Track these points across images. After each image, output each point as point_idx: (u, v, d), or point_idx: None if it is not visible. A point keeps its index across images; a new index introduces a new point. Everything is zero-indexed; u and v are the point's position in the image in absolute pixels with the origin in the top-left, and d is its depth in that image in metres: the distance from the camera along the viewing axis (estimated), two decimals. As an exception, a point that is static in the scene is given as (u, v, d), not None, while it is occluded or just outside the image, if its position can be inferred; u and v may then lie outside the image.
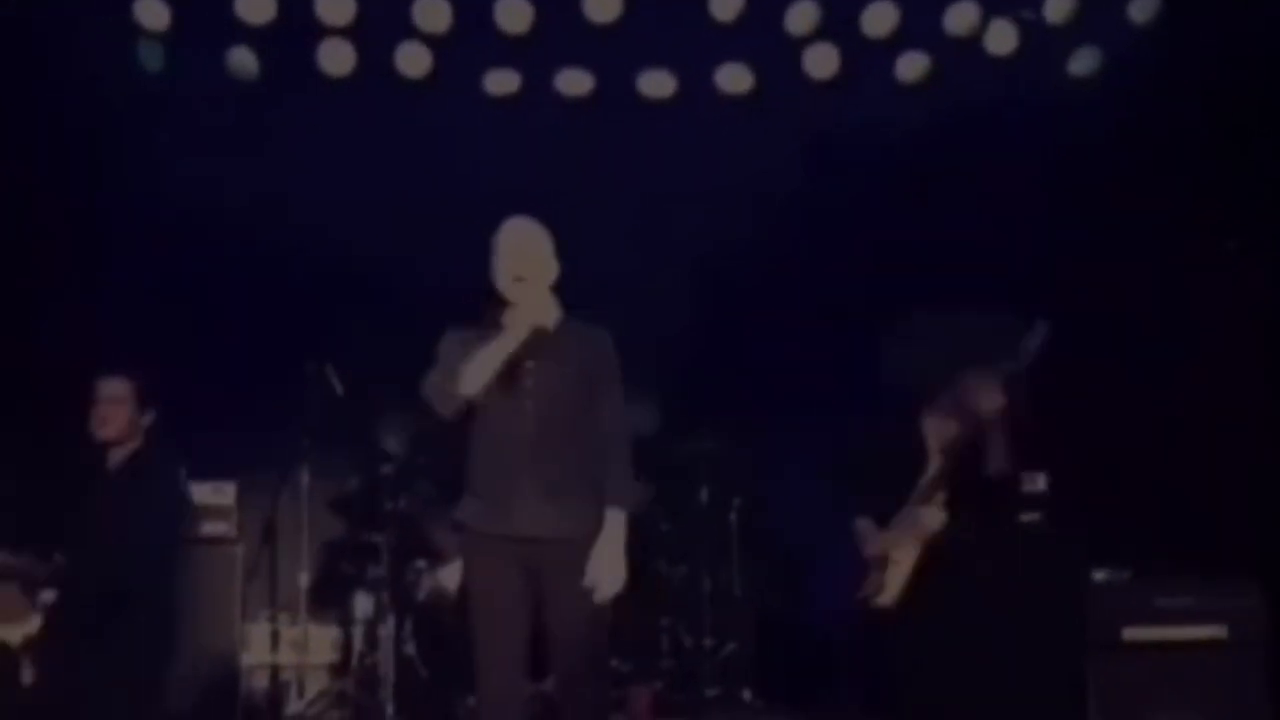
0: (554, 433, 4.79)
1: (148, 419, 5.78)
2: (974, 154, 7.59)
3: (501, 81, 7.85)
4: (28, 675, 5.68)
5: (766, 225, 7.80)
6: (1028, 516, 6.72)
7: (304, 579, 7.35)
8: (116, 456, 5.75)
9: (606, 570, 4.75)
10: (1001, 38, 7.71)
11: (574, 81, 7.88)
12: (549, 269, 4.98)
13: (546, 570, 4.74)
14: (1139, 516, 6.77)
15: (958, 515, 5.44)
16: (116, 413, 5.72)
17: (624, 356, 5.01)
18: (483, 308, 5.01)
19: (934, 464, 5.50)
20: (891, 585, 5.53)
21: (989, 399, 5.28)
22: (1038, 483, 6.79)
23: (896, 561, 5.52)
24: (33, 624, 5.65)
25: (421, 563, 7.09)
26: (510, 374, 4.80)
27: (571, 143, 7.83)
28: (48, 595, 5.62)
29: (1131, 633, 6.24)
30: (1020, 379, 5.30)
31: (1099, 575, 6.45)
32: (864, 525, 5.65)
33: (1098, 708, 6.15)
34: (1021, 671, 5.93)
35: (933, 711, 5.51)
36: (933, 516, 5.45)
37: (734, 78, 7.90)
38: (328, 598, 7.47)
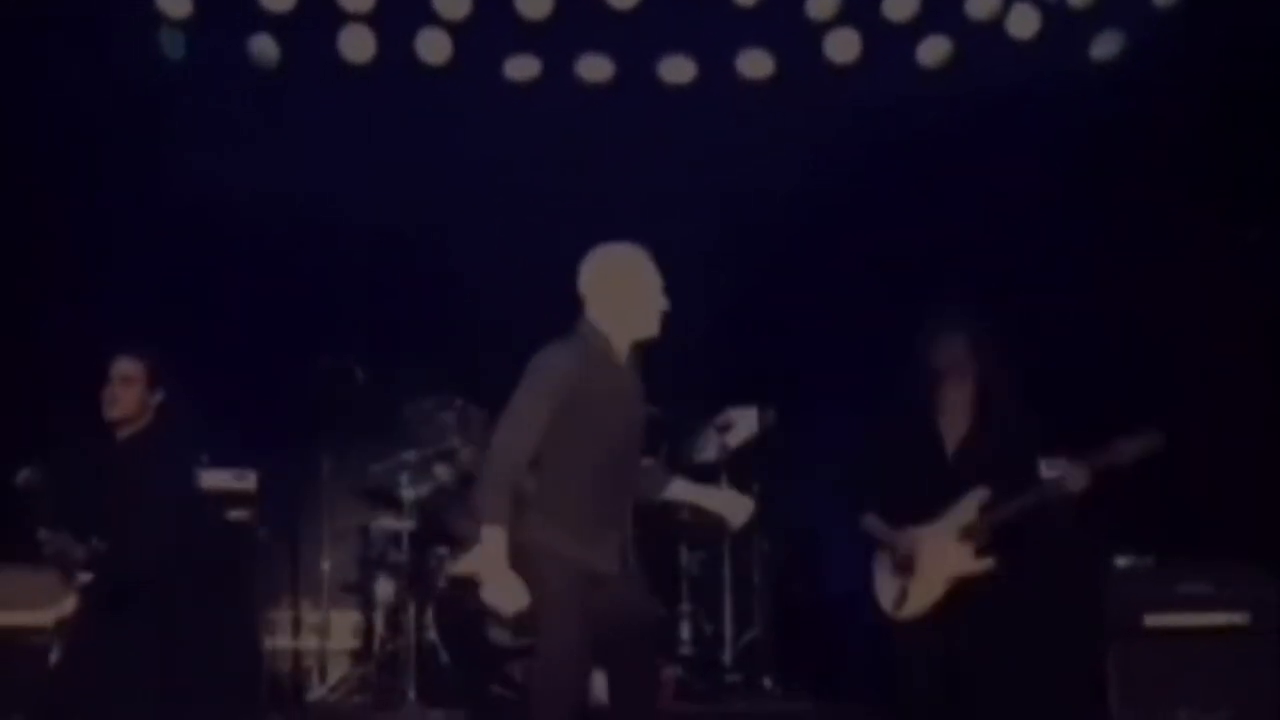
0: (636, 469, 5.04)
1: (157, 398, 5.78)
2: (995, 139, 7.55)
3: (522, 68, 7.83)
4: (56, 656, 5.71)
5: (785, 212, 7.79)
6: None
7: (326, 565, 7.39)
8: (123, 434, 5.77)
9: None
10: (1024, 21, 7.65)
11: (594, 67, 7.86)
12: None
13: (614, 588, 4.86)
14: (1161, 503, 6.74)
15: (999, 560, 5.56)
16: (126, 393, 5.72)
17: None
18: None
19: (979, 493, 5.53)
20: (915, 602, 5.59)
21: (1075, 481, 5.47)
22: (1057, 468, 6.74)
23: (928, 584, 5.58)
24: (67, 606, 5.67)
25: (442, 550, 7.10)
26: (622, 424, 4.91)
27: (592, 128, 7.83)
28: (85, 577, 5.63)
29: (1153, 619, 6.20)
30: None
31: (1121, 561, 6.41)
32: (873, 523, 5.71)
33: (1119, 694, 6.12)
34: (1042, 658, 5.94)
35: (951, 698, 5.53)
36: (964, 563, 5.56)
37: (754, 63, 7.86)
38: (349, 584, 7.52)
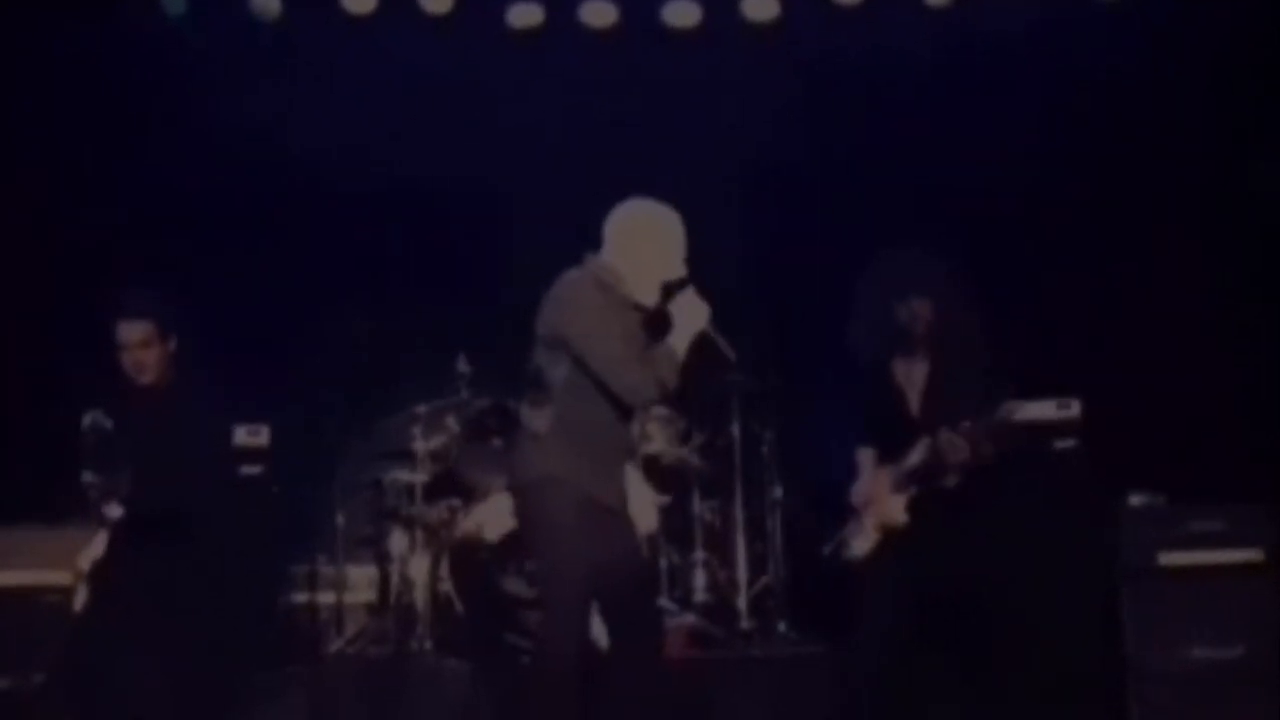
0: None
1: (173, 346, 5.76)
2: (1002, 79, 7.50)
3: (525, 15, 7.79)
4: (81, 600, 5.70)
5: (791, 155, 7.74)
6: (1062, 443, 6.67)
7: (340, 519, 7.41)
8: (157, 392, 5.73)
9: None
10: (1032, -39, 7.58)
11: (598, 13, 7.81)
12: None
13: (614, 525, 4.97)
14: (1173, 441, 6.73)
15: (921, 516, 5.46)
16: (149, 355, 5.68)
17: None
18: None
19: (918, 453, 5.46)
20: (857, 546, 5.57)
21: (955, 452, 5.32)
22: (1071, 408, 6.72)
23: (864, 529, 5.56)
24: (97, 546, 5.65)
25: (455, 501, 7.12)
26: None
27: (595, 75, 7.78)
28: (116, 511, 5.63)
29: (1167, 558, 6.20)
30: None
31: (1134, 500, 6.40)
32: (864, 457, 5.66)
33: (1133, 633, 6.13)
34: (1056, 598, 5.95)
35: (964, 640, 5.53)
36: (895, 513, 5.46)
37: (759, 5, 7.80)
38: (363, 538, 7.54)
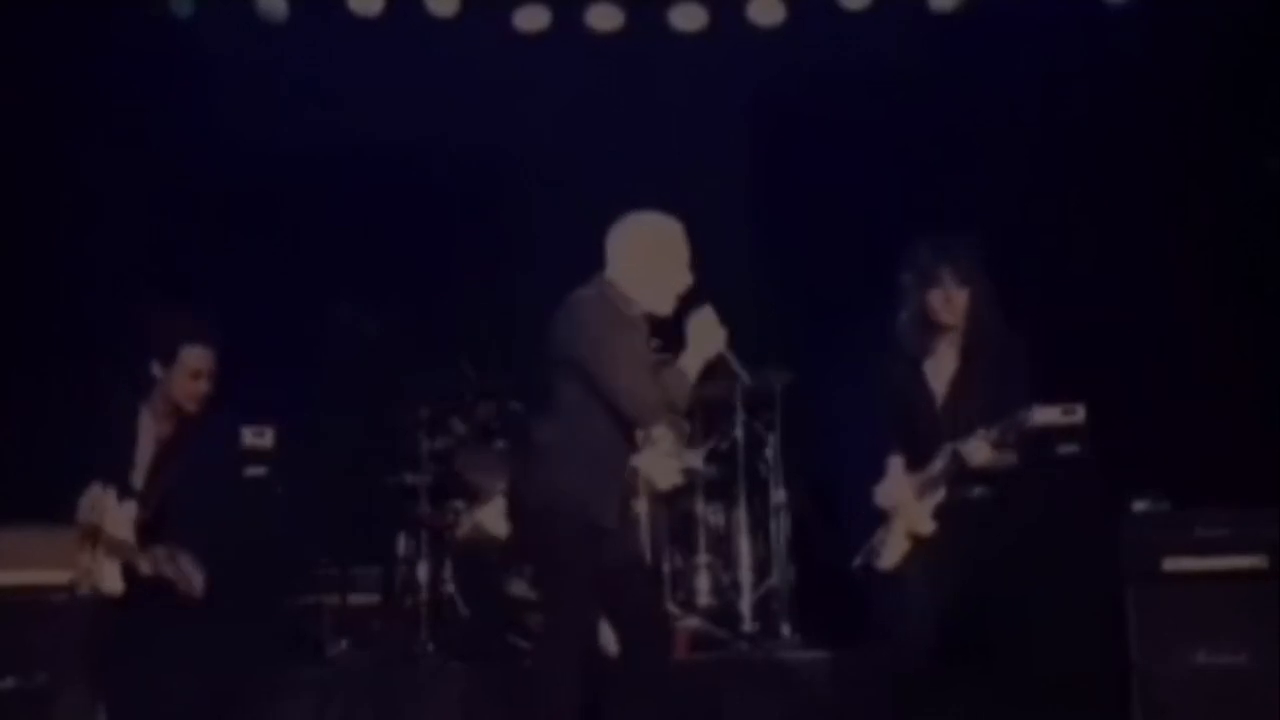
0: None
1: None
2: (1012, 82, 7.49)
3: (531, 18, 7.79)
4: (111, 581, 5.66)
5: (796, 159, 7.75)
6: (1065, 448, 6.65)
7: (343, 520, 7.40)
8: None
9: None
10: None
11: (604, 16, 7.81)
12: None
13: (614, 540, 5.00)
14: (1177, 446, 6.71)
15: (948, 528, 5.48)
16: (209, 387, 5.62)
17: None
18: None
19: (941, 460, 5.47)
20: (887, 555, 5.56)
21: (974, 455, 5.35)
22: (1076, 414, 6.71)
23: (895, 537, 5.56)
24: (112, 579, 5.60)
25: (459, 503, 7.12)
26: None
27: (602, 78, 7.78)
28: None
29: (1171, 563, 6.17)
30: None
31: (1138, 506, 6.38)
32: (894, 464, 5.66)
33: (1138, 638, 6.11)
34: (1060, 605, 5.93)
35: (967, 648, 5.52)
36: (922, 522, 5.48)
37: (765, 9, 7.80)
38: (367, 539, 7.54)
